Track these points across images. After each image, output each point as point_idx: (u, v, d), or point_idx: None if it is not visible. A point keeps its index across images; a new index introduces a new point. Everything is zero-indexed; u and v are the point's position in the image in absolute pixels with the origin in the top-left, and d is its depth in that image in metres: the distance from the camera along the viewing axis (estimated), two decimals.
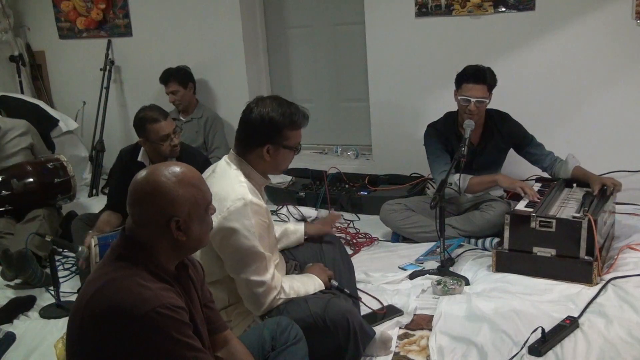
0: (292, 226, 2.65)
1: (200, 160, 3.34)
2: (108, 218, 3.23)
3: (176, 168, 1.57)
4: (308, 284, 2.23)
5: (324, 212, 3.98)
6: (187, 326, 1.50)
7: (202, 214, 1.59)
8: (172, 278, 1.57)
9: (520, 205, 2.96)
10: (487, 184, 3.26)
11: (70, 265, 3.39)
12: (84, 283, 1.60)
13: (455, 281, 2.76)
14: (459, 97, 3.24)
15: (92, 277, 1.56)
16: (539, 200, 2.97)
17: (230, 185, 2.09)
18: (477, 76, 3.19)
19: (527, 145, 3.40)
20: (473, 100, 3.17)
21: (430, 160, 3.40)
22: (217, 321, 1.78)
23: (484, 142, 3.39)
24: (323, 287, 2.26)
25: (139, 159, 3.28)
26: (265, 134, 2.14)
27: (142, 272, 1.50)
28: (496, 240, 3.14)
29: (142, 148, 3.27)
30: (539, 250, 2.80)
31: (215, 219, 2.04)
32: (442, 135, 3.39)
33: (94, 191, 4.80)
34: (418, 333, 2.45)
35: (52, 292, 2.93)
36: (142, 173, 1.57)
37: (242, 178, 2.13)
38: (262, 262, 2.07)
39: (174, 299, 1.49)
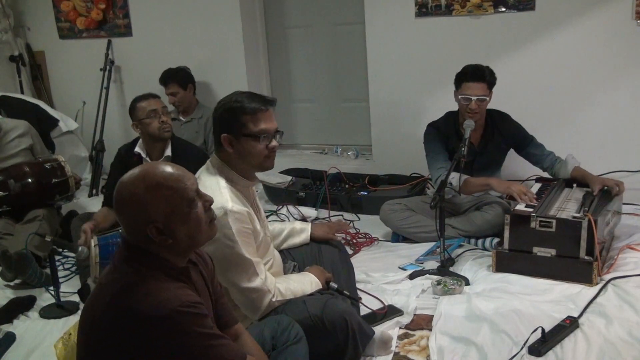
0: (298, 226, 2.62)
1: (200, 155, 3.34)
2: (106, 213, 3.23)
3: (142, 171, 1.51)
4: (305, 283, 2.22)
5: (324, 212, 3.99)
6: (207, 318, 1.50)
7: (183, 211, 1.51)
8: (185, 275, 1.57)
9: (520, 205, 2.95)
10: (481, 187, 3.25)
11: (70, 265, 3.39)
12: (95, 288, 1.59)
13: (455, 281, 2.76)
14: (459, 97, 3.24)
15: (104, 282, 1.54)
16: (535, 204, 2.96)
17: (210, 193, 2.07)
18: (477, 74, 3.19)
19: (527, 146, 3.40)
20: (474, 98, 3.17)
21: (429, 158, 3.40)
22: (227, 315, 1.78)
23: (485, 143, 3.39)
24: (320, 286, 2.26)
25: (136, 149, 3.31)
26: (221, 124, 2.09)
27: (156, 273, 1.50)
28: (496, 240, 3.14)
29: (140, 140, 3.30)
30: (539, 250, 2.80)
31: None
32: (443, 134, 3.40)
33: (94, 191, 4.80)
34: (418, 333, 2.44)
35: (52, 292, 2.92)
36: (117, 184, 1.53)
37: (223, 183, 2.09)
38: (251, 268, 2.06)
39: (191, 296, 1.49)
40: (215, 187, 2.07)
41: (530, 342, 2.21)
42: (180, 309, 1.43)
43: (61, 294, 2.91)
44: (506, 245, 2.87)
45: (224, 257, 2.03)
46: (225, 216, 2.01)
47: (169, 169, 1.53)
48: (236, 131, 2.07)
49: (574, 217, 2.75)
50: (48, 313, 2.86)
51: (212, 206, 1.98)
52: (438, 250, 2.99)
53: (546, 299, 2.61)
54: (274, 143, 2.12)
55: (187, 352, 1.45)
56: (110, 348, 1.45)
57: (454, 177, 3.06)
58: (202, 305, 1.50)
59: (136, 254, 1.52)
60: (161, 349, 1.43)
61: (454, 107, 3.36)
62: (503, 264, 2.88)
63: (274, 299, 2.09)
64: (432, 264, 3.02)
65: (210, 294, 1.70)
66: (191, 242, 1.56)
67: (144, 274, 1.49)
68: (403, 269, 3.05)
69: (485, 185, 3.20)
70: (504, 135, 3.39)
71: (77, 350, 1.55)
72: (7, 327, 2.73)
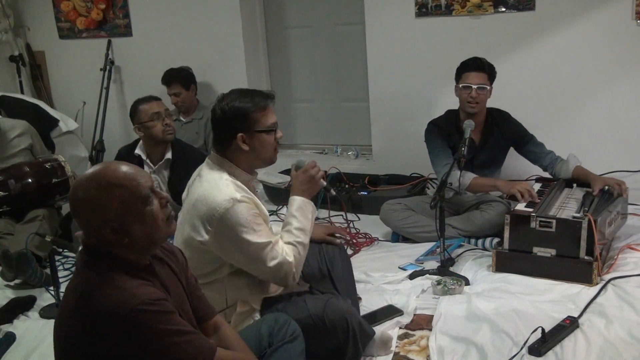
0: None
1: (200, 157, 3.34)
2: None
3: (94, 171, 1.50)
4: (304, 215, 2.17)
5: (324, 212, 3.98)
6: (171, 314, 1.49)
7: (138, 209, 1.49)
8: (148, 273, 1.55)
9: (520, 205, 2.96)
10: (487, 188, 3.27)
11: (70, 265, 3.39)
12: (63, 296, 1.59)
13: (455, 281, 2.76)
14: (460, 86, 3.26)
15: (69, 288, 1.54)
16: (538, 201, 2.97)
17: (216, 187, 2.07)
18: (477, 64, 3.25)
19: (527, 144, 3.41)
20: (474, 86, 3.19)
21: (432, 155, 3.40)
22: (205, 308, 1.77)
23: (485, 140, 3.40)
24: (316, 211, 2.25)
25: (136, 151, 3.30)
26: (233, 124, 2.12)
27: (116, 273, 1.48)
28: (496, 240, 3.14)
29: (140, 142, 3.29)
30: (539, 250, 2.80)
31: (210, 227, 2.03)
32: (444, 131, 3.40)
33: None
34: (418, 333, 2.45)
35: (52, 292, 2.92)
36: (71, 187, 1.52)
37: (226, 176, 2.11)
38: (271, 248, 2.05)
39: (152, 293, 1.48)
40: (220, 181, 2.09)
41: (530, 342, 2.21)
42: (139, 307, 1.42)
43: (61, 294, 2.90)
44: (506, 245, 2.87)
45: (243, 245, 2.02)
46: (235, 205, 2.02)
47: (121, 167, 1.51)
48: (249, 129, 2.12)
49: (574, 217, 2.75)
50: (48, 313, 2.85)
51: (220, 200, 1.99)
52: (438, 250, 2.99)
53: (546, 299, 2.61)
54: (279, 134, 2.21)
55: (152, 350, 1.45)
56: (80, 353, 1.45)
57: (456, 177, 3.07)
58: (166, 301, 1.49)
59: (95, 257, 1.51)
60: (127, 349, 1.43)
61: (455, 106, 3.36)
62: (503, 264, 2.88)
63: (290, 259, 2.07)
64: (432, 264, 3.02)
65: (184, 287, 1.68)
66: (149, 240, 1.54)
67: (104, 275, 1.47)
68: (403, 269, 3.05)
69: (493, 186, 3.24)
70: (503, 133, 3.40)
71: (55, 357, 1.55)
72: (7, 327, 2.73)
